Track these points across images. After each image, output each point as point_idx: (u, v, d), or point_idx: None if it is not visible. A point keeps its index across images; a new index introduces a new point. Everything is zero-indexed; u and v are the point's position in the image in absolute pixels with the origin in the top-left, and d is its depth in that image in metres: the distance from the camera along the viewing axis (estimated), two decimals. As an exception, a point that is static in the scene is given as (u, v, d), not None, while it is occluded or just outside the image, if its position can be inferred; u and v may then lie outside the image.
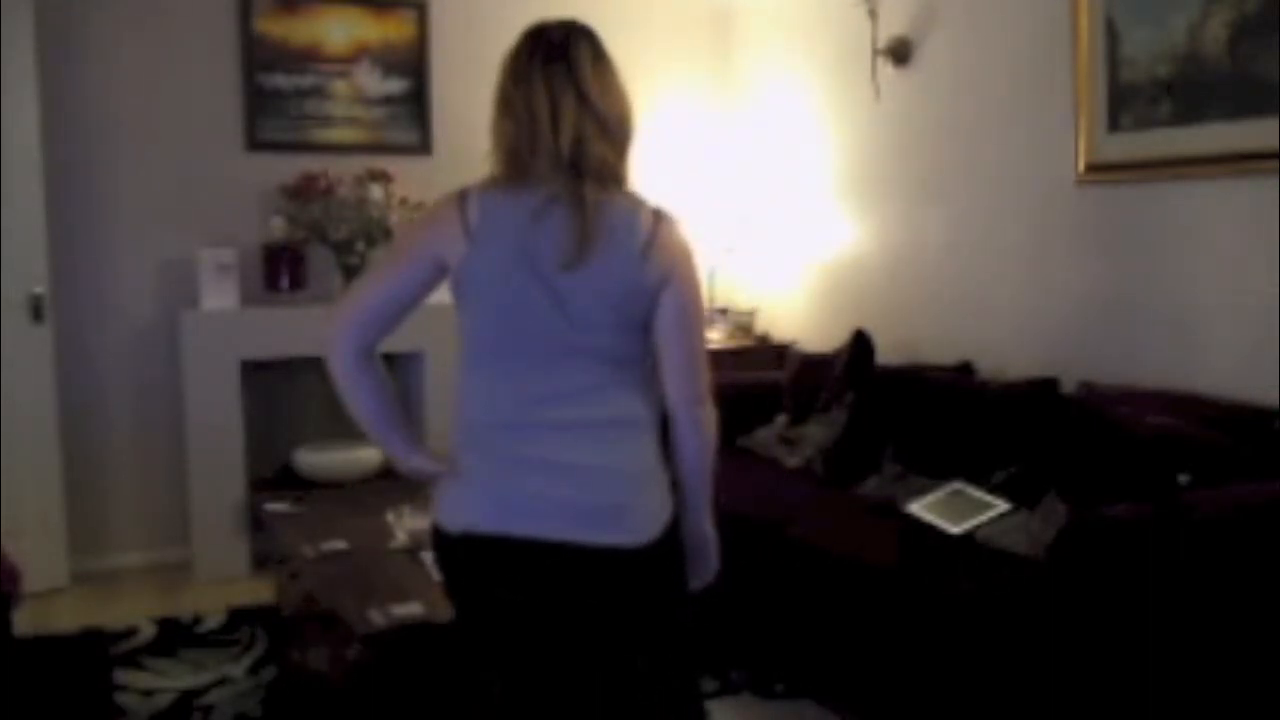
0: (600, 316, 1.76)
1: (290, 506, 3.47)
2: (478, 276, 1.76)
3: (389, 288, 1.80)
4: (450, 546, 1.81)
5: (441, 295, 1.83)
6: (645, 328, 1.82)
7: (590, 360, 1.78)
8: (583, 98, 1.75)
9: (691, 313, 1.84)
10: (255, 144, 4.52)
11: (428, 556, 2.82)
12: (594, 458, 1.77)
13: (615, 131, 1.78)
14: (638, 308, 1.80)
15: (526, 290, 1.74)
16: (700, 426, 1.87)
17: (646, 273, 1.78)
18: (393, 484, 4.39)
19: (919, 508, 3.15)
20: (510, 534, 1.75)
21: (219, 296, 4.30)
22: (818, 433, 3.87)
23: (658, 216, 1.82)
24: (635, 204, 1.81)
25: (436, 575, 2.66)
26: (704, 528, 1.94)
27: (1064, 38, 3.58)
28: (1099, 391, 3.30)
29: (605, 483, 1.78)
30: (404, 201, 4.51)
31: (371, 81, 4.70)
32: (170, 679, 3.33)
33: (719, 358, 4.79)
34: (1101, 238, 3.54)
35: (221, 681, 3.31)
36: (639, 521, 1.80)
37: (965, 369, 3.87)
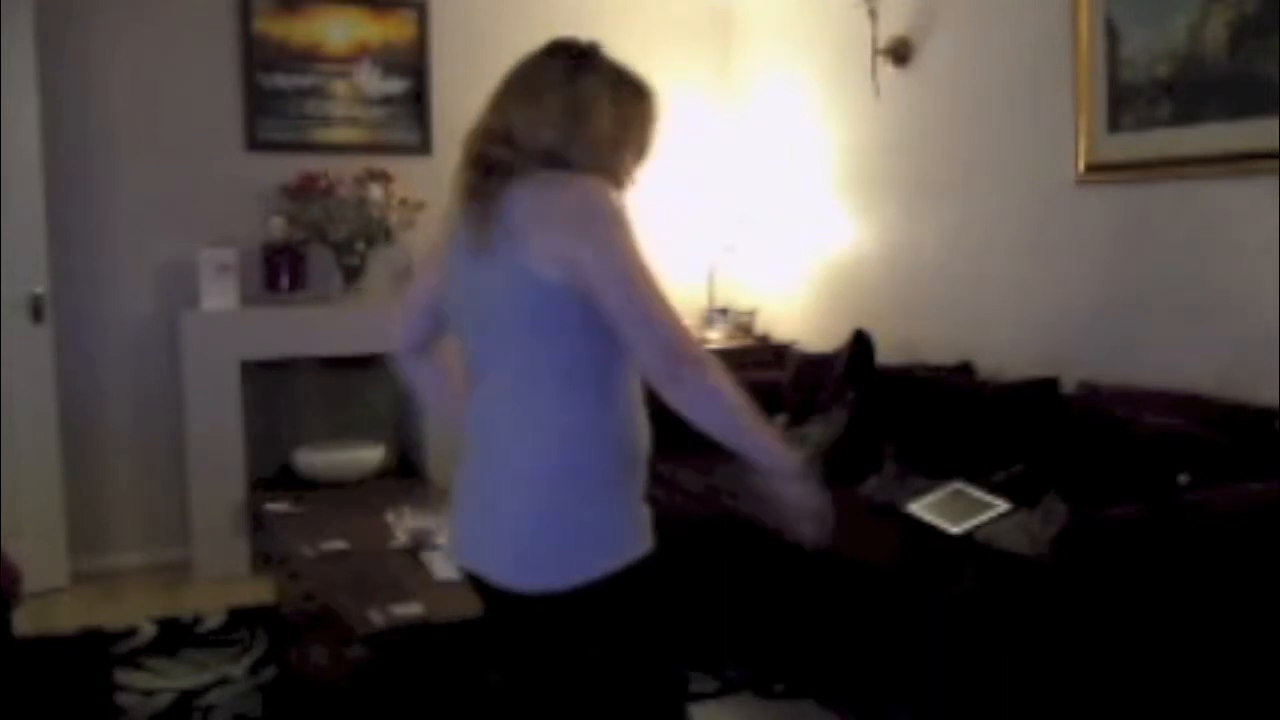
0: (509, 324, 1.65)
1: (290, 506, 3.47)
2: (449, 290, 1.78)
3: (424, 288, 1.85)
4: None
5: None
6: (567, 326, 1.61)
7: (510, 379, 1.67)
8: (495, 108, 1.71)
9: (611, 272, 1.56)
10: (255, 144, 4.52)
11: (428, 556, 2.82)
12: (511, 497, 1.66)
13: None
14: (543, 301, 1.60)
15: (463, 300, 1.74)
16: (686, 398, 1.56)
17: (532, 255, 1.59)
18: (393, 484, 4.39)
19: (919, 508, 3.14)
20: (463, 566, 1.79)
21: (219, 296, 4.29)
22: (818, 433, 3.87)
23: (544, 183, 1.62)
24: (530, 185, 1.62)
25: (436, 575, 2.68)
26: (773, 486, 1.65)
27: (1064, 38, 3.58)
28: (1099, 391, 3.29)
29: (518, 526, 1.65)
30: (404, 202, 4.50)
31: (371, 81, 4.70)
32: (170, 679, 3.33)
33: (718, 358, 4.85)
34: (1101, 238, 3.54)
35: (221, 681, 3.31)
36: (563, 565, 1.63)
37: (965, 369, 3.87)
